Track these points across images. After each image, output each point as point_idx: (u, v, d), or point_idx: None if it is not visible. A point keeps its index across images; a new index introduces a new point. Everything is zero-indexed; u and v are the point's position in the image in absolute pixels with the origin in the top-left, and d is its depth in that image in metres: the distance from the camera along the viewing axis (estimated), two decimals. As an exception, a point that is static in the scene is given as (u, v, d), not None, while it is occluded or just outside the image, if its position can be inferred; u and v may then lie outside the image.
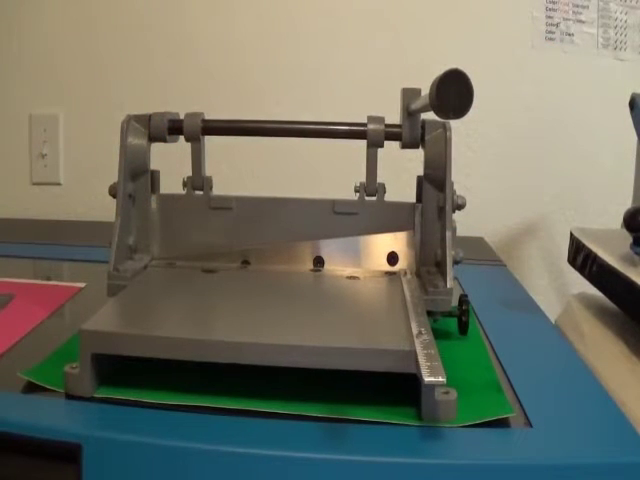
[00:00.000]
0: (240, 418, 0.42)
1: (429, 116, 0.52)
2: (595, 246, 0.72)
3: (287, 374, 0.44)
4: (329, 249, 0.61)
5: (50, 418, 0.42)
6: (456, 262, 0.56)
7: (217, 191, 0.63)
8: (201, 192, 0.62)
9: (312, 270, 0.61)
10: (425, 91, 0.48)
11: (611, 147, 1.09)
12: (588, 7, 1.09)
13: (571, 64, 1.10)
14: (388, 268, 0.61)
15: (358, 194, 0.61)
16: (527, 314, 0.67)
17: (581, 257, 0.74)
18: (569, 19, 1.09)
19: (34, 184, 1.17)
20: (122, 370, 0.47)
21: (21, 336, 0.55)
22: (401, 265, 0.61)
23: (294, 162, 1.11)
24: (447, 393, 0.42)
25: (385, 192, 0.61)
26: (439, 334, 0.54)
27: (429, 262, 0.59)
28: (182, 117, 0.61)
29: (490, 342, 0.58)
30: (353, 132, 0.60)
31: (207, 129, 0.61)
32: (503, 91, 1.09)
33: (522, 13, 1.09)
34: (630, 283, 0.61)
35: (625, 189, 0.85)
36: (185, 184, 0.62)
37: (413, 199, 0.60)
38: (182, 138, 0.62)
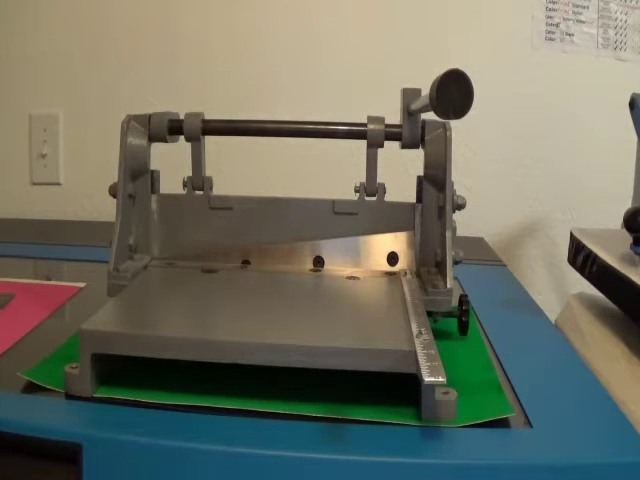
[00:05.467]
0: (240, 418, 0.42)
1: (429, 116, 0.52)
2: (595, 246, 0.72)
3: (287, 374, 0.44)
4: (329, 249, 0.61)
5: (50, 418, 0.42)
6: (456, 262, 0.56)
7: (217, 191, 0.63)
8: (201, 192, 0.62)
9: (312, 270, 0.61)
10: (425, 91, 0.48)
11: (611, 147, 1.09)
12: (588, 7, 1.09)
13: (571, 64, 1.10)
14: (388, 268, 0.61)
15: (358, 194, 0.61)
16: (527, 314, 0.67)
17: (581, 257, 0.74)
18: (569, 19, 1.09)
19: (34, 184, 1.17)
20: (122, 370, 0.47)
21: (21, 336, 0.55)
22: (401, 265, 0.61)
23: (294, 162, 1.11)
24: (447, 393, 0.42)
25: (385, 192, 0.61)
26: (439, 334, 0.54)
27: (429, 262, 0.59)
28: (182, 117, 0.61)
29: (490, 342, 0.58)
30: (353, 132, 0.60)
31: (207, 129, 0.61)
32: (503, 91, 1.09)
33: (522, 13, 1.09)
34: (630, 283, 0.61)
35: (625, 189, 0.85)
36: (185, 184, 0.62)
37: (413, 199, 0.60)
38: (182, 138, 0.62)
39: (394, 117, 0.60)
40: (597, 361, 0.63)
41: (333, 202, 0.61)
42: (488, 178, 1.12)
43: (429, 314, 0.52)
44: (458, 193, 0.57)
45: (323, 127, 0.61)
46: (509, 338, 0.59)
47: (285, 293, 0.55)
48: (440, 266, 0.57)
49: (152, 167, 0.61)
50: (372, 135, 0.59)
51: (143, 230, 0.61)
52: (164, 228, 0.62)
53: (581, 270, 0.75)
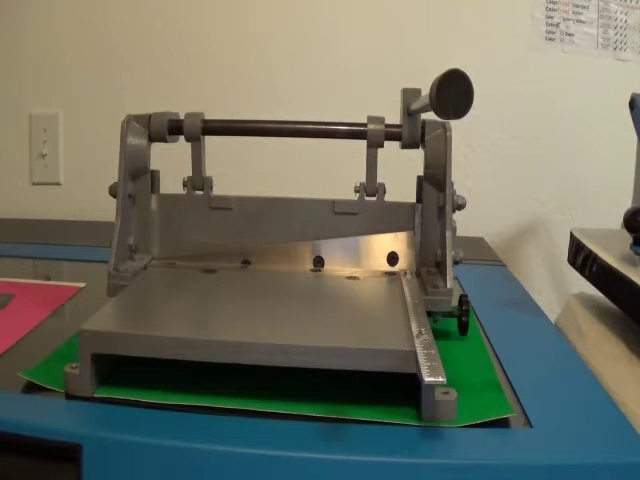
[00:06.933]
0: (240, 418, 0.42)
1: (429, 116, 0.52)
2: (595, 246, 0.72)
3: (287, 374, 0.44)
4: (329, 249, 0.61)
5: (50, 418, 0.42)
6: (456, 262, 0.56)
7: (218, 191, 0.63)
8: (201, 192, 0.62)
9: (312, 270, 0.61)
10: (425, 91, 0.48)
11: (611, 147, 1.09)
12: (588, 7, 1.09)
13: (571, 64, 1.10)
14: (388, 268, 0.61)
15: (358, 194, 0.61)
16: (527, 314, 0.67)
17: (581, 257, 0.74)
18: (569, 19, 1.09)
19: (34, 184, 1.17)
20: (122, 370, 0.47)
21: (21, 336, 0.55)
22: (401, 265, 0.61)
23: (294, 162, 1.11)
24: (447, 393, 0.42)
25: (385, 192, 0.61)
26: (439, 334, 0.54)
27: (429, 262, 0.59)
28: (182, 117, 0.61)
29: (490, 342, 0.58)
30: (353, 132, 0.60)
31: (207, 129, 0.61)
32: (503, 91, 1.09)
33: (522, 13, 1.09)
34: (630, 283, 0.61)
35: (625, 189, 0.85)
36: (185, 184, 0.62)
37: (413, 199, 0.60)
38: (182, 138, 0.62)
39: (394, 117, 0.60)
40: (597, 361, 0.63)
41: (333, 202, 0.61)
42: (488, 178, 1.11)
43: (429, 314, 0.52)
44: (458, 193, 0.57)
45: (323, 127, 0.61)
46: (509, 338, 0.59)
47: (285, 293, 0.55)
48: (440, 266, 0.57)
49: (152, 167, 0.61)
50: (372, 135, 0.59)
51: (143, 230, 0.61)
52: (164, 228, 0.62)
53: (581, 270, 0.75)
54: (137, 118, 0.60)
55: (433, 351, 0.42)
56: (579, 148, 1.11)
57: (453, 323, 0.57)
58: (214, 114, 0.62)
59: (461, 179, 1.06)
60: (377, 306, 0.54)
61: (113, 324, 0.47)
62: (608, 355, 0.64)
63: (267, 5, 1.11)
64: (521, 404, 0.46)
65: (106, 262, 0.56)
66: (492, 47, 1.09)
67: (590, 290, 0.76)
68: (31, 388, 0.45)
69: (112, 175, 0.59)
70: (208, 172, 0.63)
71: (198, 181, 0.62)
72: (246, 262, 0.62)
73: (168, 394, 0.44)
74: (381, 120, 0.60)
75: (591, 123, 1.10)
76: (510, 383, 0.49)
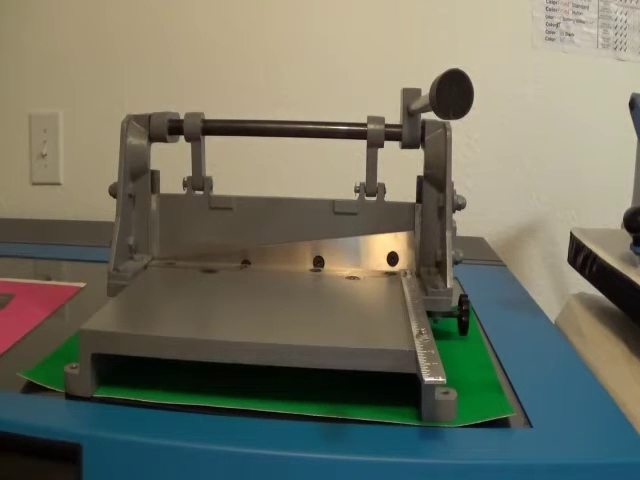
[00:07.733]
0: (240, 418, 0.42)
1: (429, 116, 0.52)
2: (595, 246, 0.72)
3: (287, 374, 0.44)
4: (329, 249, 0.61)
5: (50, 418, 0.42)
6: (456, 262, 0.56)
7: (217, 191, 0.63)
8: (201, 192, 0.62)
9: (312, 270, 0.61)
10: (425, 91, 0.48)
11: (611, 147, 1.09)
12: (588, 7, 1.09)
13: (571, 64, 1.10)
14: (388, 268, 0.61)
15: (358, 194, 0.61)
16: (527, 314, 0.67)
17: (581, 257, 0.74)
18: (569, 19, 1.09)
19: (34, 184, 1.17)
20: (122, 370, 0.47)
21: (21, 336, 0.55)
22: (401, 265, 0.61)
23: (294, 162, 1.11)
24: (447, 393, 0.42)
25: (385, 192, 0.61)
26: (439, 334, 0.54)
27: (429, 262, 0.59)
28: (182, 117, 0.61)
29: (490, 342, 0.58)
30: (353, 132, 0.60)
31: (207, 129, 0.61)
32: (503, 91, 1.09)
33: (522, 13, 1.09)
34: (630, 283, 0.61)
35: (625, 189, 0.85)
36: (185, 184, 0.62)
37: (413, 199, 0.60)
38: (182, 138, 0.62)
39: (394, 117, 0.60)
40: (597, 361, 0.63)
41: (333, 202, 0.61)
42: (488, 178, 1.12)
43: (429, 314, 0.52)
44: (458, 193, 0.58)
45: (323, 127, 0.61)
46: (509, 338, 0.59)
47: (285, 293, 0.55)
48: (440, 266, 0.57)
49: (152, 167, 0.61)
50: (372, 135, 0.59)
51: (143, 230, 0.61)
52: (164, 228, 0.62)
53: (581, 270, 0.75)
54: (137, 118, 0.60)
55: (433, 351, 0.42)
56: (579, 148, 1.11)
57: (453, 323, 0.57)
58: (214, 114, 0.62)
59: (461, 179, 1.06)
60: (377, 306, 0.54)
61: (113, 324, 0.47)
62: (608, 355, 0.64)
63: (267, 5, 1.11)
64: (521, 404, 0.46)
65: (106, 262, 0.56)
66: (492, 47, 1.09)
67: (590, 290, 0.76)
68: (31, 388, 0.45)
69: (112, 175, 0.59)
70: (208, 172, 0.63)
71: (198, 181, 0.62)
72: (246, 262, 0.62)
73: (168, 394, 0.44)
74: (381, 120, 0.60)
75: (591, 123, 1.10)
76: (510, 383, 0.49)
